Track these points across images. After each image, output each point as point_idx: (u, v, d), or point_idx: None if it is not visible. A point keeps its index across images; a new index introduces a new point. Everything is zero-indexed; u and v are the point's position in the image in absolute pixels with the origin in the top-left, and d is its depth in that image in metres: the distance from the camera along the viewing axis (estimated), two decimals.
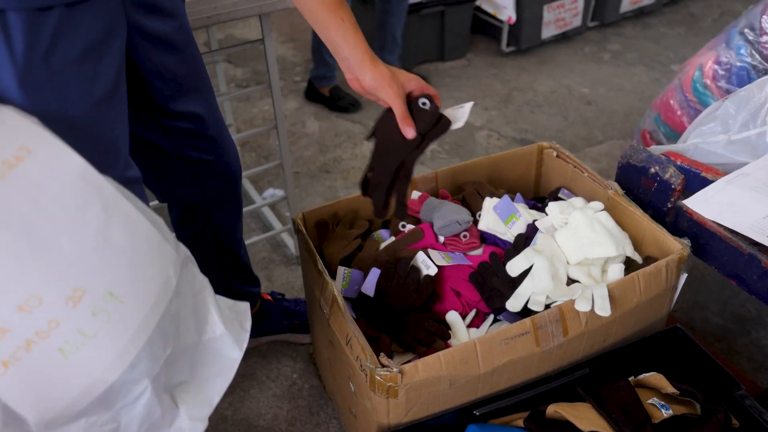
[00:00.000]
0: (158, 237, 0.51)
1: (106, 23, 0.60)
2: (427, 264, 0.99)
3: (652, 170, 1.15)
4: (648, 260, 0.95)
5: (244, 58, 2.35)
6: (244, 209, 1.35)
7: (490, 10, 2.36)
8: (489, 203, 1.11)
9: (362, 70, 0.74)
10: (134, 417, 0.49)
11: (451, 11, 2.24)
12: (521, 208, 1.08)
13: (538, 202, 1.21)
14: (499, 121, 2.03)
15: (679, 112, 1.49)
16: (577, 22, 2.46)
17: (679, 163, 1.13)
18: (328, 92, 2.21)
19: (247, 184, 1.59)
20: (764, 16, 1.37)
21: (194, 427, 0.54)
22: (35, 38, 0.52)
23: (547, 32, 2.41)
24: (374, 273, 0.95)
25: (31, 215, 0.44)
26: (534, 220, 1.07)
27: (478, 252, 1.06)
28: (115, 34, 0.62)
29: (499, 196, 1.16)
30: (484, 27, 2.50)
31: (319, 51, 2.12)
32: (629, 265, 0.95)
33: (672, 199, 1.09)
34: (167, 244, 0.52)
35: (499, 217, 1.09)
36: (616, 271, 0.91)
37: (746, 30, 1.40)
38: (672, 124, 1.51)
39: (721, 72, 1.42)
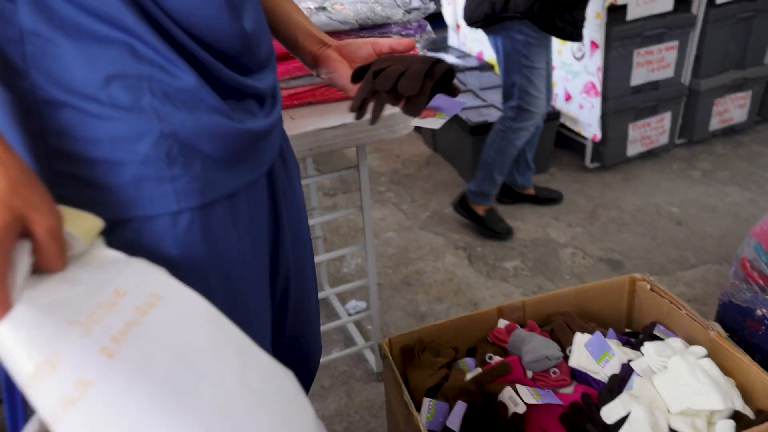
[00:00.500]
0: (294, 386, 0.48)
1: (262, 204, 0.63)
2: (515, 401, 0.97)
3: (759, 312, 1.09)
4: (761, 415, 0.89)
5: (329, 162, 2.51)
6: (328, 324, 1.41)
7: (575, 128, 2.44)
8: (580, 339, 1.09)
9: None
10: None
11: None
12: (614, 345, 1.05)
13: (632, 337, 1.17)
14: (584, 239, 2.03)
15: None
16: (664, 140, 2.48)
17: None
18: (483, 212, 2.14)
19: (331, 296, 1.66)
20: None
21: None
22: (204, 233, 0.54)
23: (633, 149, 2.43)
24: (460, 407, 0.95)
25: (172, 363, 0.43)
26: (629, 360, 1.03)
27: (569, 390, 1.03)
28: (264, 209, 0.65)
29: (590, 330, 1.13)
30: (568, 142, 2.56)
31: (490, 166, 2.09)
32: (738, 419, 0.88)
33: None
34: (303, 396, 0.49)
35: (591, 355, 1.06)
36: (726, 428, 0.85)
37: None
38: None
39: None
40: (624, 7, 2.13)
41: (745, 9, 2.36)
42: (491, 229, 2.09)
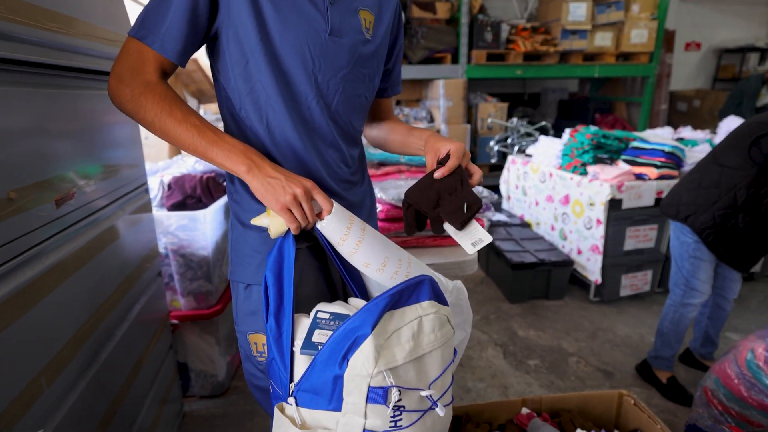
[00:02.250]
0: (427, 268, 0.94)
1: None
2: None
3: None
4: None
5: None
6: None
7: (583, 272, 2.87)
8: None
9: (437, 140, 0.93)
10: None
11: (555, 270, 2.79)
12: None
13: None
14: (587, 352, 2.32)
15: (736, 381, 1.55)
16: (647, 288, 2.85)
17: None
18: (665, 379, 1.99)
19: None
20: None
21: None
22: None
23: (624, 292, 2.80)
24: None
25: (383, 240, 0.85)
26: None
27: None
28: None
29: (588, 428, 1.25)
30: (578, 281, 2.96)
31: (666, 336, 1.97)
32: None
33: None
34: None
35: None
36: None
37: None
38: (730, 388, 1.58)
39: None
40: (620, 201, 2.57)
41: None
42: (671, 399, 1.96)
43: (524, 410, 1.35)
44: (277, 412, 0.77)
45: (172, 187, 2.01)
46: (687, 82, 6.75)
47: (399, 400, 0.70)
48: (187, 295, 1.93)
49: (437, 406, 0.74)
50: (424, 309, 0.75)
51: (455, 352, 0.84)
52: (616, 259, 2.72)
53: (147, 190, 1.68)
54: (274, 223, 0.80)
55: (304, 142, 0.87)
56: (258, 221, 0.83)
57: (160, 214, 1.83)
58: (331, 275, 0.97)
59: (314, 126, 0.88)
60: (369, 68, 0.92)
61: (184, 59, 0.79)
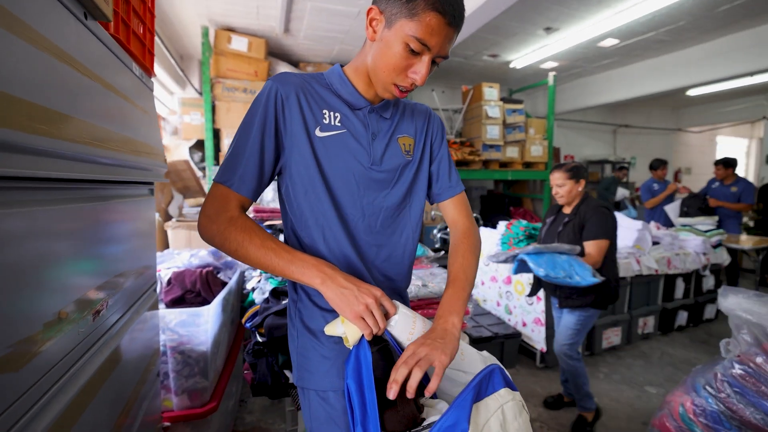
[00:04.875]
0: None
1: None
2: None
3: None
4: None
5: None
6: None
7: (529, 342, 2.85)
8: None
9: None
10: None
11: (507, 341, 2.74)
12: None
13: None
14: (546, 417, 2.24)
15: None
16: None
17: None
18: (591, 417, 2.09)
19: None
20: (717, 381, 1.51)
21: None
22: None
23: None
24: None
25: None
26: None
27: None
28: None
29: None
30: (526, 351, 2.94)
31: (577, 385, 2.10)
32: None
33: None
34: None
35: None
36: None
37: (707, 386, 1.51)
38: None
39: (698, 412, 1.51)
40: None
41: None
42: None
43: None
44: None
45: (171, 282, 1.79)
46: None
47: None
48: (182, 394, 1.64)
49: None
50: (503, 397, 0.69)
51: None
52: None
53: (155, 289, 1.47)
54: (350, 331, 0.75)
55: (355, 254, 0.87)
56: (332, 330, 0.75)
57: (161, 310, 1.60)
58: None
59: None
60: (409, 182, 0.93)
61: (257, 195, 0.83)
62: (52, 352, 0.66)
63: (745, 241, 3.98)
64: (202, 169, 3.50)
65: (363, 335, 0.74)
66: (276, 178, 0.88)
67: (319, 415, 0.83)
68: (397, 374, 0.68)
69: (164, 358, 1.61)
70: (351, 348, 0.76)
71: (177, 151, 4.01)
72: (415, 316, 0.78)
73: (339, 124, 0.83)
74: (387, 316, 0.76)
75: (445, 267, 1.65)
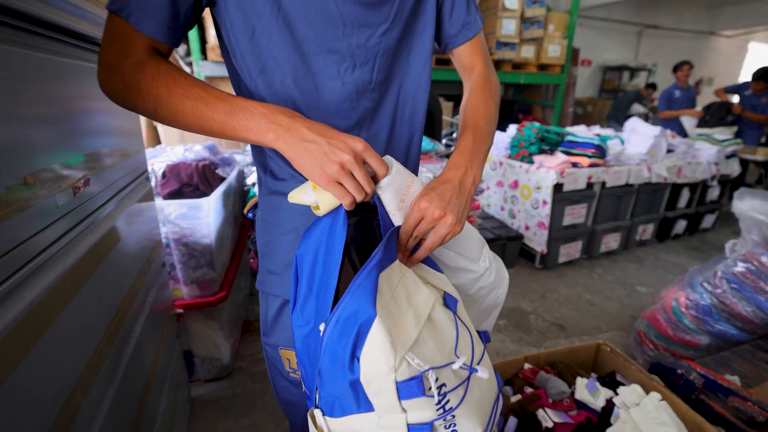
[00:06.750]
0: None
1: None
2: (545, 419, 1.06)
3: (679, 371, 1.23)
4: None
5: None
6: None
7: (530, 245, 2.87)
8: (581, 382, 1.19)
9: None
10: None
11: (509, 243, 2.75)
12: (599, 386, 1.18)
13: (599, 380, 1.26)
14: (541, 310, 2.32)
15: (664, 325, 1.64)
16: (577, 255, 2.91)
17: (698, 370, 1.23)
18: None
19: None
20: (716, 278, 1.56)
21: None
22: None
23: (561, 259, 2.84)
24: (513, 421, 1.08)
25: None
26: (611, 397, 1.12)
27: (574, 413, 1.14)
28: None
29: (581, 374, 1.24)
30: (524, 252, 2.98)
31: None
32: None
33: (695, 394, 1.16)
34: None
35: (588, 392, 1.17)
36: None
37: (705, 283, 1.56)
38: (659, 331, 1.67)
39: (690, 305, 1.57)
40: (562, 185, 2.57)
41: (619, 191, 2.83)
42: None
43: (526, 365, 1.30)
44: (309, 420, 0.55)
45: (167, 176, 1.69)
46: (581, 91, 7.12)
47: (437, 379, 0.49)
48: (191, 284, 1.64)
49: (476, 370, 0.52)
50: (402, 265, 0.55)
51: (456, 300, 0.60)
52: (557, 233, 2.74)
53: (148, 178, 1.37)
54: (322, 199, 0.53)
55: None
56: (298, 197, 0.55)
57: (159, 202, 1.52)
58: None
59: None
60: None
61: (174, 35, 0.55)
62: (24, 219, 0.57)
63: (762, 153, 3.82)
64: (189, 64, 3.18)
65: (341, 204, 0.54)
66: (210, 10, 0.59)
67: (277, 318, 0.70)
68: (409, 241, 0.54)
69: (168, 250, 1.57)
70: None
71: None
72: (412, 177, 0.59)
73: None
74: (375, 179, 0.54)
75: None
